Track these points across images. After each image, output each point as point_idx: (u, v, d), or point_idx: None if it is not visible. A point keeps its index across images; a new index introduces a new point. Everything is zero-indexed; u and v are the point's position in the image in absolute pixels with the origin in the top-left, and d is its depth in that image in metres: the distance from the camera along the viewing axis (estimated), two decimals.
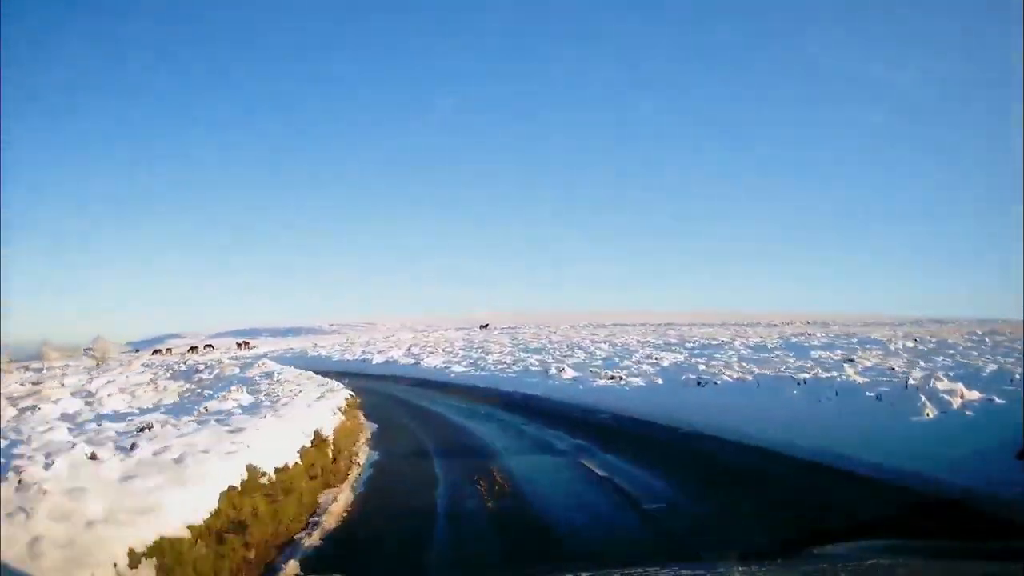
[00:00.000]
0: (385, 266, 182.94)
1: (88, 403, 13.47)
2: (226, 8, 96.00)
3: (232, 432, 6.62)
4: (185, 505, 4.40)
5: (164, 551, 3.81)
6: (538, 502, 6.99)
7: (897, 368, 16.79)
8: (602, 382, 19.56)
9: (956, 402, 9.46)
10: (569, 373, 22.77)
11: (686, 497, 7.10)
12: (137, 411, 11.04)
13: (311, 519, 6.27)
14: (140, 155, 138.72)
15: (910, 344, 30.44)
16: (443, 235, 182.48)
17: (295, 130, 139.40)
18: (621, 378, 20.29)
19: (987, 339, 33.02)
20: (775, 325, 79.59)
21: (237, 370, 21.85)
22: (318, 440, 7.97)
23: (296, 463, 6.76)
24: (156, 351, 55.53)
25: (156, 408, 11.57)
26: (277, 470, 6.14)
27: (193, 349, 57.31)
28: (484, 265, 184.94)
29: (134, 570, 3.57)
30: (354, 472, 8.63)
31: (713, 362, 23.17)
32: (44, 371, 27.62)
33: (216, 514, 4.64)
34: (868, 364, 19.30)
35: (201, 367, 23.64)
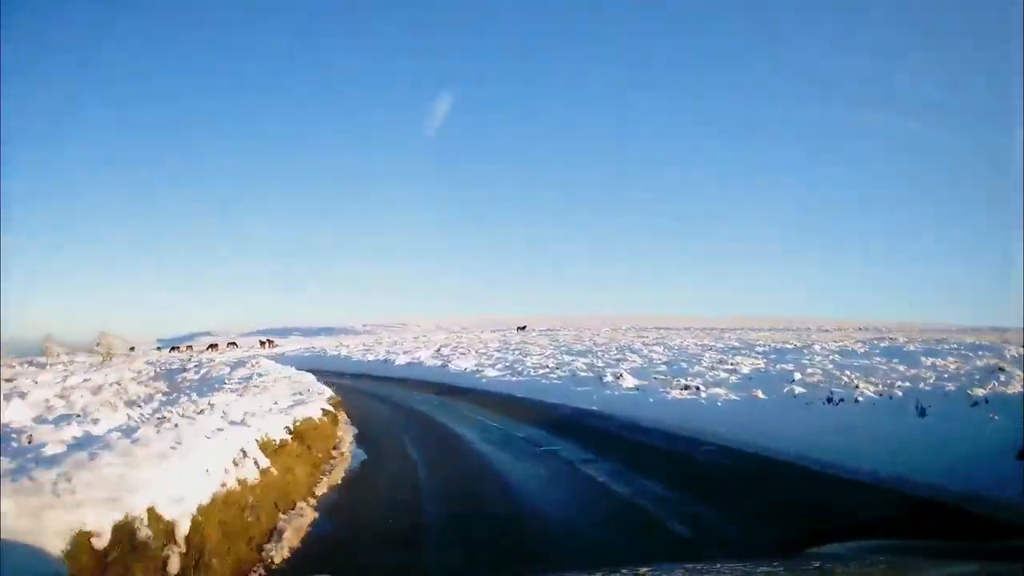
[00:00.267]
0: (422, 267, 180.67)
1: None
2: (227, 7, 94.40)
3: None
4: None
5: None
6: None
7: None
8: (676, 394, 15.18)
9: None
10: (629, 381, 18.44)
11: None
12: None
13: None
14: (178, 156, 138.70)
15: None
16: (481, 237, 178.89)
17: (337, 130, 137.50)
18: (698, 388, 15.99)
19: None
20: (827, 331, 72.94)
21: (227, 370, 18.25)
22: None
23: None
24: (174, 348, 53.00)
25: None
26: None
27: (213, 347, 54.96)
28: (521, 268, 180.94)
29: None
30: None
31: (809, 369, 18.55)
32: (28, 367, 25.01)
33: None
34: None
35: (190, 367, 20.30)
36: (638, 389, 17.13)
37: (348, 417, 13.72)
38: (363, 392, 20.38)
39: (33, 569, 2.95)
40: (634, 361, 25.83)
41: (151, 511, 3.54)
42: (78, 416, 8.98)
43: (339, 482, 7.63)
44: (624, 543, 5.25)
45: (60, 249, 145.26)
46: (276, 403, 8.96)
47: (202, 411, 6.73)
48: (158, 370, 21.05)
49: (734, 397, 13.92)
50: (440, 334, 71.47)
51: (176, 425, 5.43)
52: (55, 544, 2.99)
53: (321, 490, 7.05)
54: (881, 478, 7.08)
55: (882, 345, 33.46)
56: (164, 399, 12.48)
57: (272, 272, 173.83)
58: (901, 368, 18.84)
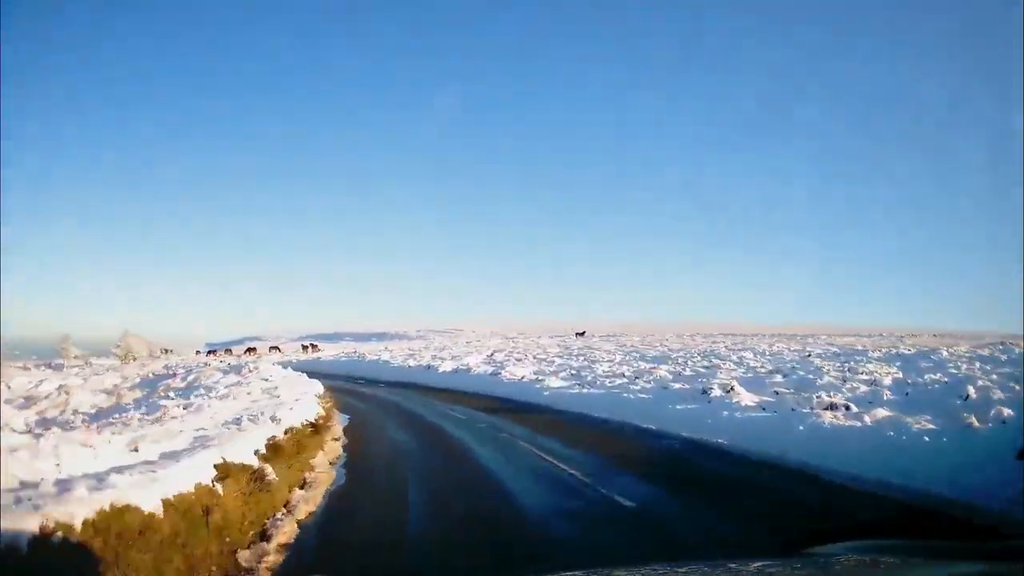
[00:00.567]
0: (478, 273, 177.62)
1: None
2: (227, 8, 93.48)
3: None
4: None
5: None
6: None
7: None
8: (829, 417, 10.39)
9: None
10: (745, 396, 13.73)
11: None
12: None
13: None
14: (222, 159, 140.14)
15: None
16: (539, 242, 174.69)
17: (399, 135, 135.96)
18: (847, 406, 11.43)
19: None
20: (901, 337, 64.68)
21: (220, 375, 14.45)
22: None
23: None
24: (211, 352, 50.58)
25: None
26: None
27: (251, 351, 52.48)
28: (576, 274, 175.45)
29: None
30: None
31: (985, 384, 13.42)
32: (32, 370, 22.14)
33: None
34: None
35: (180, 372, 16.69)
36: (764, 408, 12.44)
37: (343, 449, 9.67)
38: (384, 407, 16.51)
39: None
40: (731, 370, 20.89)
41: None
42: None
43: None
44: None
45: (117, 253, 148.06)
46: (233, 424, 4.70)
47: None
48: (152, 374, 17.49)
49: (929, 425, 9.06)
50: (494, 339, 67.35)
51: None
52: None
53: None
54: None
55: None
56: (106, 412, 8.73)
57: (329, 277, 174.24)
58: None
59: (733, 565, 2.53)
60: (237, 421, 6.75)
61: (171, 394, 11.82)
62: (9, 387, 12.44)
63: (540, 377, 20.78)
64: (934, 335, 58.35)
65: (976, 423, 8.60)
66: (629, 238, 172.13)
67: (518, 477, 7.82)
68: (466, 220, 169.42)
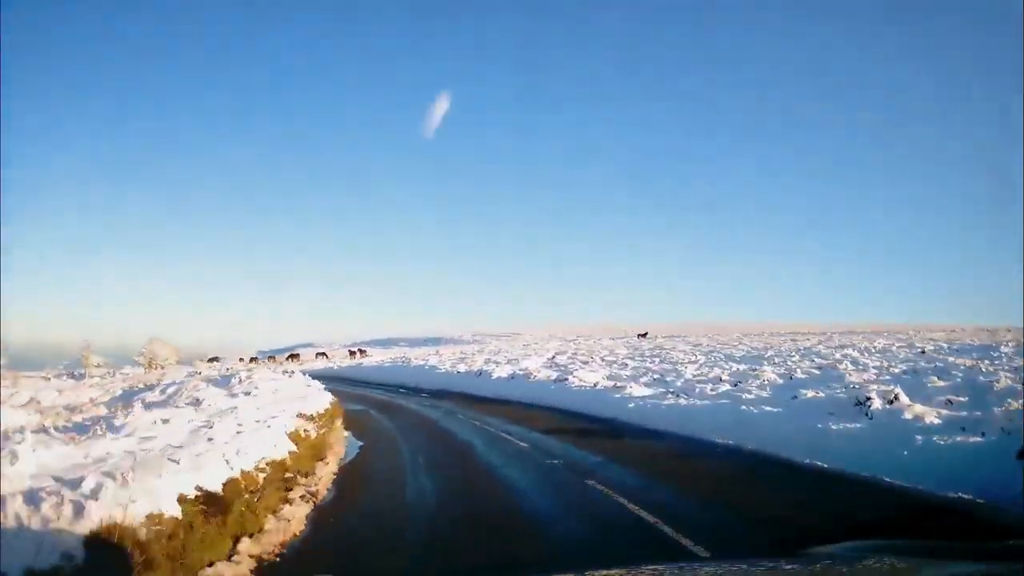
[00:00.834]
0: (532, 276, 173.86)
1: None
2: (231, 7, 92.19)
3: None
4: None
5: None
6: None
7: None
8: None
9: None
10: (921, 410, 9.61)
11: None
12: None
13: None
14: (293, 165, 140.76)
15: None
16: (594, 242, 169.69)
17: (454, 137, 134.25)
18: None
19: None
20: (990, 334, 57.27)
21: (204, 386, 11.13)
22: None
23: None
24: (253, 359, 48.60)
25: None
26: None
27: (294, 357, 50.45)
28: (630, 275, 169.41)
29: None
30: None
31: None
32: (49, 380, 19.80)
33: None
34: None
35: (165, 383, 13.62)
36: (966, 429, 8.38)
37: (308, 524, 5.52)
38: (418, 427, 12.69)
39: None
40: (853, 370, 16.49)
41: None
42: None
43: None
44: None
45: (170, 260, 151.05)
46: None
47: None
48: (138, 386, 14.54)
49: None
50: (552, 342, 63.43)
51: None
52: None
53: None
54: None
55: None
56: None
57: (384, 283, 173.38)
58: None
59: (734, 565, 2.74)
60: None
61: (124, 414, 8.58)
62: None
63: (617, 384, 16.79)
64: (953, 330, 53.61)
65: None
66: (683, 238, 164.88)
67: None
68: (524, 223, 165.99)
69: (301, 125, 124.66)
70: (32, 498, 3.07)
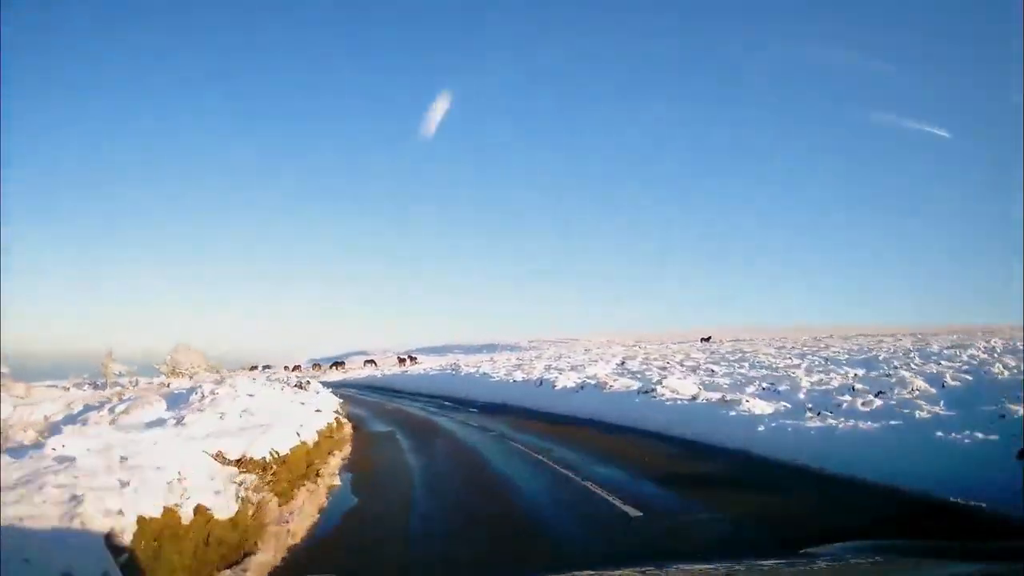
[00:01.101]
0: (588, 282, 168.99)
1: None
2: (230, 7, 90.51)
3: None
4: None
5: None
6: None
7: None
8: None
9: None
10: None
11: None
12: None
13: None
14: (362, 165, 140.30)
15: None
16: (653, 246, 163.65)
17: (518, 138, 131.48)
18: None
19: None
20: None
21: (162, 406, 7.79)
22: None
23: None
24: (296, 367, 46.30)
25: None
26: None
27: (338, 365, 48.35)
28: (686, 278, 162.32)
29: None
30: None
31: None
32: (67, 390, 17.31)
33: None
34: None
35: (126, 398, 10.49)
36: None
37: None
38: (458, 469, 8.55)
39: None
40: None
41: None
42: None
43: None
44: None
45: (222, 264, 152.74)
46: None
47: None
48: (98, 400, 11.52)
49: None
50: (613, 348, 59.05)
51: None
52: None
53: None
54: None
55: None
56: None
57: (440, 290, 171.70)
58: None
59: (734, 565, 2.61)
60: None
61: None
62: None
63: (726, 396, 12.70)
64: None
65: None
66: (739, 240, 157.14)
67: None
68: (580, 227, 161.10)
69: (332, 126, 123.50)
70: None
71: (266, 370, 65.09)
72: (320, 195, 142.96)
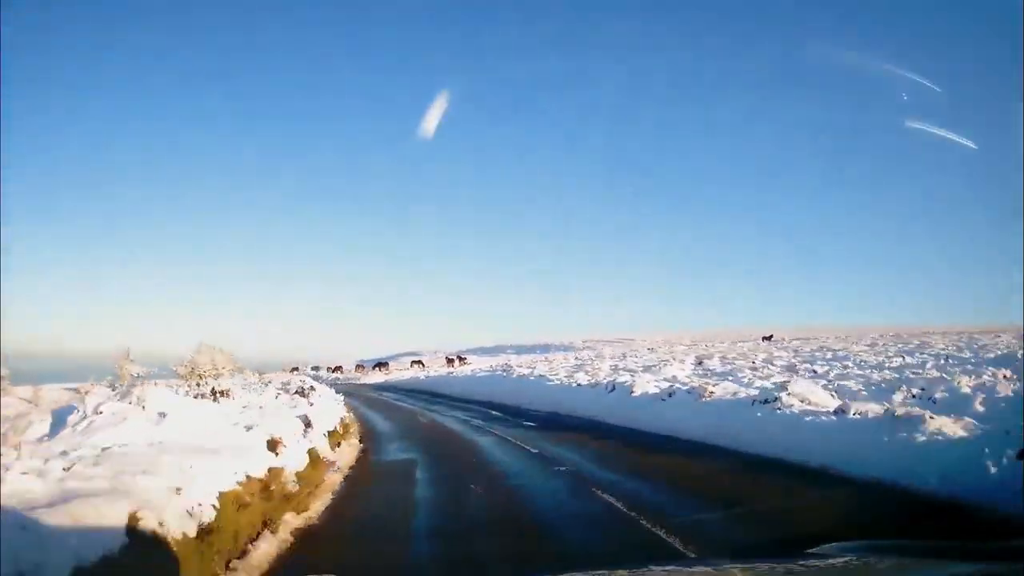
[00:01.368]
0: (640, 281, 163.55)
1: None
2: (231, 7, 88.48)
3: None
4: None
5: None
6: None
7: None
8: None
9: None
10: None
11: None
12: None
13: None
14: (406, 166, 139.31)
15: None
16: (704, 245, 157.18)
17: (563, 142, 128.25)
18: None
19: None
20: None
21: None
22: None
23: None
24: (336, 368, 44.07)
25: None
26: None
27: (383, 366, 45.82)
28: (750, 277, 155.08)
29: None
30: None
31: None
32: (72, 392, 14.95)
33: None
34: None
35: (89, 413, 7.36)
36: None
37: None
38: None
39: None
40: None
41: None
42: None
43: None
44: None
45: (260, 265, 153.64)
46: None
47: None
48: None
49: None
50: (676, 347, 54.72)
51: None
52: None
53: None
54: None
55: None
56: None
57: (490, 291, 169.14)
58: None
59: (734, 565, 2.78)
60: None
61: None
62: None
63: (891, 409, 8.91)
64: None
65: None
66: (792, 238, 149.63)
67: None
68: (631, 223, 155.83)
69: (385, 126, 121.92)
70: None
71: (315, 371, 63.42)
72: (368, 196, 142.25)
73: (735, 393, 12.18)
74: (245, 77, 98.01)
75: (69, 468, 3.49)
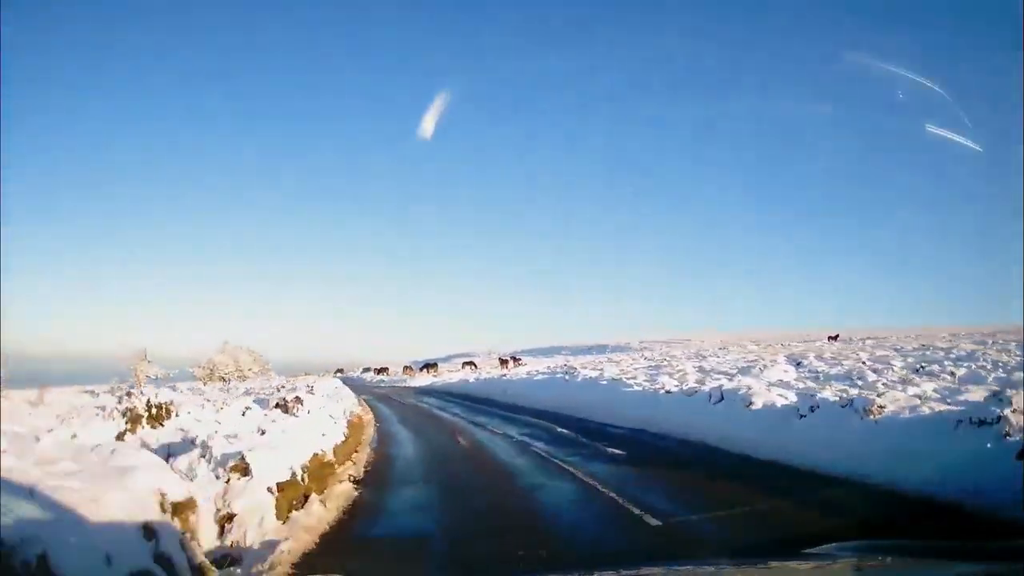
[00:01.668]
0: (699, 282, 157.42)
1: None
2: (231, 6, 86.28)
3: None
4: None
5: None
6: None
7: None
8: None
9: None
10: None
11: None
12: None
13: None
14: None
15: None
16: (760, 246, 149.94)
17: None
18: None
19: None
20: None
21: None
22: None
23: None
24: (381, 370, 41.77)
25: None
26: None
27: (430, 367, 45.70)
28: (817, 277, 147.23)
29: None
30: None
31: None
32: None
33: None
34: None
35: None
36: None
37: None
38: None
39: None
40: None
41: None
42: None
43: None
44: None
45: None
46: None
47: None
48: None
49: None
50: (746, 348, 50.18)
51: None
52: None
53: None
54: None
55: None
56: None
57: (544, 291, 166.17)
58: None
59: (734, 565, 2.92)
60: None
61: None
62: None
63: None
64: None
65: None
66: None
67: None
68: (685, 224, 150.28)
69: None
70: None
71: (365, 372, 61.66)
72: (424, 197, 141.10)
73: (914, 408, 8.50)
74: (250, 77, 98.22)
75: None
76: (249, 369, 24.90)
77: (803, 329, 78.47)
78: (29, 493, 2.82)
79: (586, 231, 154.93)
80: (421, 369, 47.90)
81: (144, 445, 5.07)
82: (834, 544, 2.91)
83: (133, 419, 5.93)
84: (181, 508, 3.78)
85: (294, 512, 5.40)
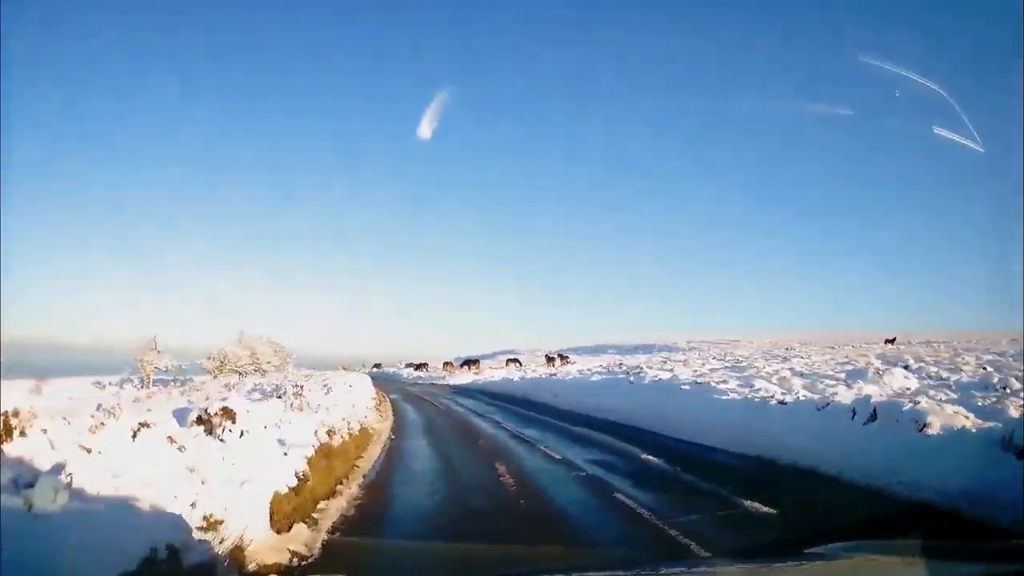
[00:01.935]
0: (743, 282, 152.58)
1: None
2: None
3: None
4: None
5: None
6: None
7: None
8: None
9: None
10: None
11: None
12: None
13: None
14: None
15: None
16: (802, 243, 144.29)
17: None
18: None
19: None
20: None
21: None
22: None
23: None
24: (420, 366, 39.88)
25: None
26: None
27: (472, 363, 42.04)
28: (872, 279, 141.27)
29: None
30: None
31: None
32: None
33: None
34: None
35: None
36: None
37: None
38: None
39: None
40: None
41: None
42: None
43: None
44: None
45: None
46: None
47: None
48: None
49: None
50: (807, 349, 46.23)
51: None
52: None
53: None
54: None
55: None
56: None
57: (588, 289, 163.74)
58: None
59: (734, 565, 2.90)
60: None
61: None
62: None
63: None
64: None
65: None
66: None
67: None
68: (724, 225, 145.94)
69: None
70: None
71: (407, 368, 59.80)
72: (471, 194, 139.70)
73: None
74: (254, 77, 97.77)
75: None
76: (268, 362, 22.70)
77: (845, 330, 75.32)
78: None
79: (635, 231, 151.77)
80: (462, 366, 45.44)
81: None
82: (836, 544, 2.84)
83: None
84: None
85: None
